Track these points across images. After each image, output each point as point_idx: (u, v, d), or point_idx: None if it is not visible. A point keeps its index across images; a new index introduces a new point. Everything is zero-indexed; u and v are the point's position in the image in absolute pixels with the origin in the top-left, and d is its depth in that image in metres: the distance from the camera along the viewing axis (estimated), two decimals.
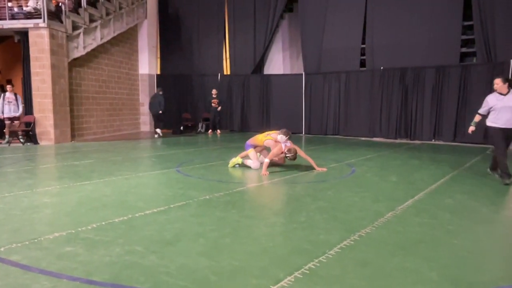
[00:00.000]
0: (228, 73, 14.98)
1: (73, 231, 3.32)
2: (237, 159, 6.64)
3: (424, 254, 2.99)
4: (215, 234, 3.35)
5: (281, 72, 14.81)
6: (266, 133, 6.69)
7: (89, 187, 5.08)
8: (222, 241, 3.19)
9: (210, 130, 13.88)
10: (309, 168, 6.65)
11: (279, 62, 15.05)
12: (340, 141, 11.71)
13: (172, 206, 4.17)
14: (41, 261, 2.73)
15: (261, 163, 6.49)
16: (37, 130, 10.36)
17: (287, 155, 6.27)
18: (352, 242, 3.16)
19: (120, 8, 13.27)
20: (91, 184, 5.28)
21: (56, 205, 4.23)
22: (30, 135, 10.34)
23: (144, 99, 15.21)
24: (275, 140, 6.41)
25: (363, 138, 12.32)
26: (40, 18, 10.03)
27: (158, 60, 15.72)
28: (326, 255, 2.88)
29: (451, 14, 11.11)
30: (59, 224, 3.55)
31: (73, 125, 11.48)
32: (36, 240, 3.11)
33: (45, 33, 10.04)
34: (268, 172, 6.16)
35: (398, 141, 11.74)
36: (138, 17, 14.51)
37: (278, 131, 6.45)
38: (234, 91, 14.71)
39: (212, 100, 13.65)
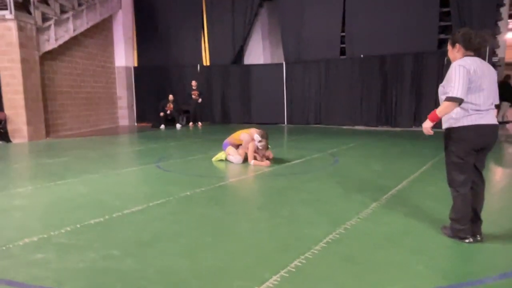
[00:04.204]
0: (208, 64, 14.69)
1: (45, 236, 3.12)
2: (220, 155, 6.46)
3: (410, 246, 2.94)
4: (196, 232, 3.22)
5: (261, 61, 14.61)
6: (245, 129, 6.39)
7: (63, 187, 4.84)
8: (203, 240, 3.06)
9: (191, 123, 13.63)
10: (291, 159, 6.57)
11: (259, 51, 14.83)
12: (322, 130, 11.68)
13: (151, 204, 4.00)
14: (9, 270, 2.54)
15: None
16: (9, 128, 9.90)
17: (258, 145, 6.08)
18: (337, 236, 3.08)
19: None
20: (65, 183, 5.04)
21: (27, 208, 4.00)
22: (1, 133, 9.88)
23: (121, 92, 14.79)
24: (251, 137, 6.14)
25: (344, 127, 12.32)
26: (7, 9, 9.50)
27: (135, 52, 15.27)
28: (312, 251, 2.79)
29: (428, 0, 11.13)
30: (29, 229, 3.34)
31: (47, 121, 11.03)
32: (3, 248, 2.91)
33: (13, 25, 9.54)
34: (268, 162, 6.05)
35: (379, 128, 11.80)
36: (113, 7, 13.99)
37: (256, 130, 6.18)
38: (214, 82, 14.44)
39: (192, 92, 13.37)
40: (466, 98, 2.75)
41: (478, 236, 2.96)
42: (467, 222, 2.93)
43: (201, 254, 2.79)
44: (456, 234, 2.97)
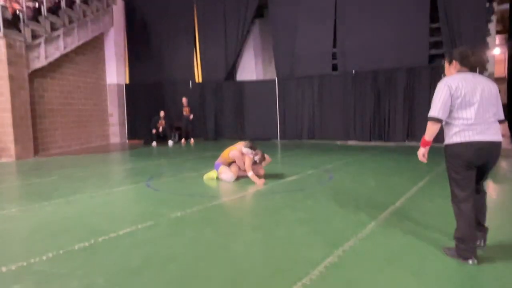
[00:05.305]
0: (200, 80, 14.65)
1: (24, 264, 2.92)
2: (212, 173, 6.29)
3: (412, 267, 2.80)
4: (187, 257, 3.05)
5: (254, 78, 14.62)
6: (231, 146, 6.29)
7: (49, 209, 4.64)
8: (195, 265, 2.89)
9: (183, 140, 13.47)
10: (285, 176, 6.44)
11: (252, 68, 14.85)
12: (316, 145, 11.60)
13: (140, 226, 3.82)
14: None
15: (239, 176, 6.23)
16: None
17: (255, 159, 5.99)
18: (336, 259, 2.93)
19: (84, 15, 12.72)
20: (51, 205, 4.83)
21: (8, 233, 3.79)
22: None
23: (112, 110, 14.63)
24: (240, 152, 6.05)
25: (338, 142, 12.26)
26: None
27: (127, 69, 15.19)
28: (309, 276, 2.63)
29: (418, 17, 11.25)
30: (8, 256, 3.13)
31: (36, 139, 10.81)
32: None
33: (1, 42, 9.41)
34: (263, 180, 5.88)
35: (372, 143, 11.75)
36: (104, 25, 13.96)
37: (242, 143, 6.13)
38: (207, 98, 14.36)
39: (184, 108, 13.26)
40: (455, 113, 2.79)
41: (481, 244, 2.99)
42: (470, 242, 2.81)
43: (192, 282, 2.62)
44: (460, 254, 2.86)
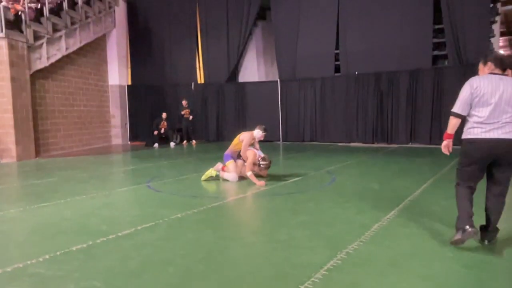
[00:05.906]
0: (202, 82, 14.61)
1: (21, 266, 2.86)
2: (210, 172, 6.24)
3: (418, 270, 2.73)
4: (186, 260, 2.98)
5: (256, 79, 14.57)
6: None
7: (48, 210, 4.58)
8: (194, 268, 2.82)
9: (185, 141, 13.43)
10: (287, 178, 6.37)
11: (254, 69, 14.81)
12: (318, 147, 11.52)
13: (139, 228, 3.76)
14: None
15: (242, 176, 6.18)
16: None
17: (261, 163, 5.97)
18: (339, 262, 2.86)
19: (87, 17, 12.71)
20: (50, 206, 4.78)
21: (5, 234, 3.73)
22: None
23: (114, 111, 14.60)
24: (251, 134, 6.23)
25: (340, 144, 12.18)
26: None
27: (129, 70, 15.17)
28: (312, 279, 2.57)
29: (421, 18, 11.18)
30: (5, 258, 3.07)
31: (38, 141, 10.78)
32: None
33: (3, 43, 9.40)
34: (263, 182, 5.82)
35: (375, 145, 11.66)
36: (106, 26, 13.95)
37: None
38: (209, 100, 14.33)
39: (184, 111, 13.22)
40: (472, 111, 2.98)
41: (485, 241, 3.15)
42: (464, 223, 2.96)
43: (192, 284, 2.56)
44: (458, 227, 3.00)
